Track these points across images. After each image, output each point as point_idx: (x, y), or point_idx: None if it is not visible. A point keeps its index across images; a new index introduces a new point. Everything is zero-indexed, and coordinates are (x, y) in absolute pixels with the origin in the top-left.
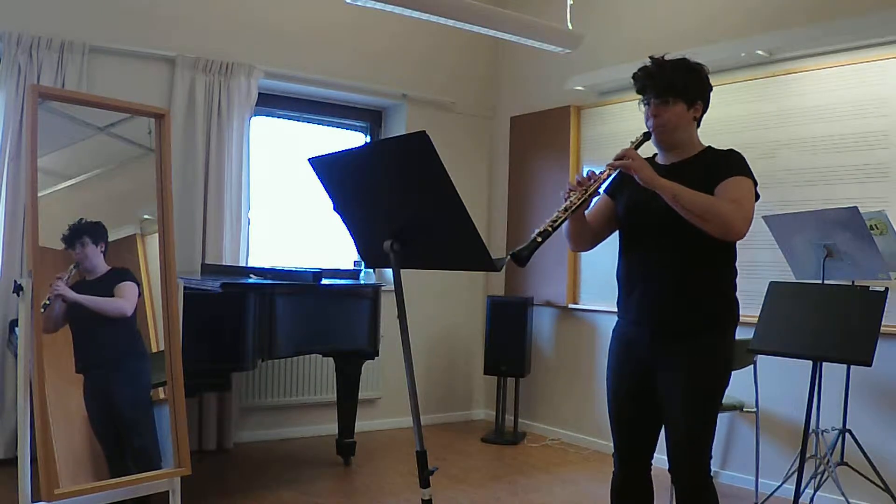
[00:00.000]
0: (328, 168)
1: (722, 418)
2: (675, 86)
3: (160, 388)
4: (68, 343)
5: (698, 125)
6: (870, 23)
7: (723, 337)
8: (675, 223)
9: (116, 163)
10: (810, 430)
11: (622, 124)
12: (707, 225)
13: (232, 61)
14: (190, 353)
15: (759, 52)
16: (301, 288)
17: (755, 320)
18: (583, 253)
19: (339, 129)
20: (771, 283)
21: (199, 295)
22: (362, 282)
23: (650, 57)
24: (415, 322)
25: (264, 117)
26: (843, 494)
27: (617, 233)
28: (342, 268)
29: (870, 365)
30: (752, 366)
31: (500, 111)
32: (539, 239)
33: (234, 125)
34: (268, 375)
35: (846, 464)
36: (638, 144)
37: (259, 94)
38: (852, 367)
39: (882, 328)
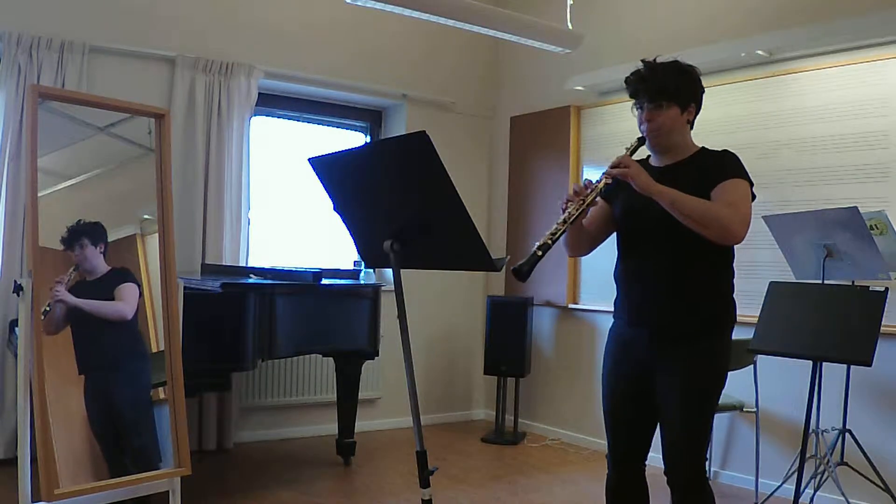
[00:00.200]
0: (328, 168)
1: (722, 418)
2: (668, 89)
3: (160, 388)
4: (68, 343)
5: (691, 127)
6: (870, 23)
7: (721, 339)
8: (673, 227)
9: (116, 163)
10: (810, 430)
11: (622, 124)
12: (705, 230)
13: (232, 61)
14: (190, 353)
15: (759, 52)
16: (301, 288)
17: (755, 320)
18: None
19: (339, 129)
20: (771, 283)
21: (199, 295)
22: (362, 282)
23: (642, 60)
24: (415, 322)
25: (264, 117)
26: (843, 494)
27: (615, 234)
28: (342, 268)
29: (870, 365)
30: (752, 366)
31: (500, 111)
32: (539, 253)
33: (234, 125)
34: (268, 375)
35: (846, 464)
36: (633, 150)
37: (259, 94)
38: (852, 367)
39: (882, 328)
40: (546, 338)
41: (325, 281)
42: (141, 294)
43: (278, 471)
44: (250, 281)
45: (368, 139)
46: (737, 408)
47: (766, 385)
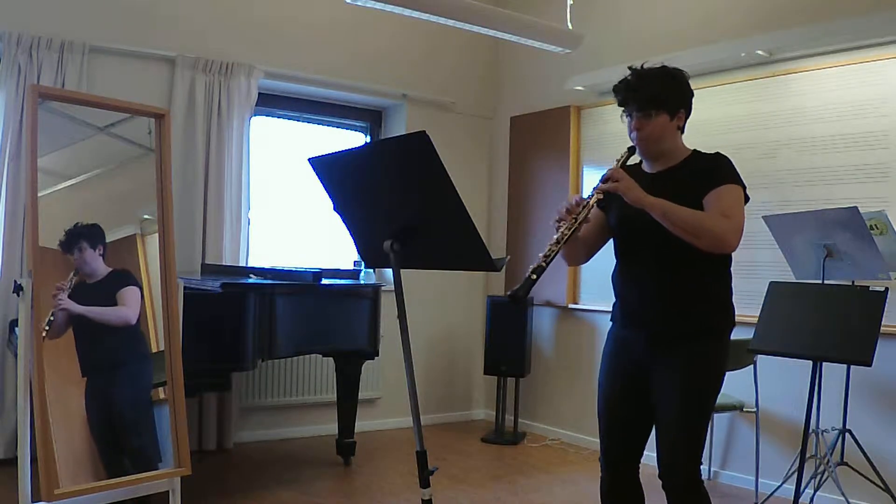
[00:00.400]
0: (328, 168)
1: (722, 418)
2: (657, 98)
3: (160, 388)
4: (69, 344)
5: (682, 131)
6: (870, 23)
7: (718, 341)
8: (666, 234)
9: (116, 163)
10: (810, 430)
11: (622, 124)
12: (698, 241)
13: (232, 61)
14: (190, 353)
15: (759, 52)
16: (301, 288)
17: (755, 320)
18: None
19: (339, 129)
20: (771, 283)
21: (199, 295)
22: (362, 282)
23: (629, 67)
24: (415, 322)
25: (264, 117)
26: (843, 494)
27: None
28: (342, 268)
29: (870, 365)
30: (752, 366)
31: (500, 111)
32: (534, 276)
33: (234, 125)
34: (268, 375)
35: (846, 464)
36: (624, 161)
37: (259, 94)
38: (852, 367)
39: (882, 328)
40: (546, 338)
41: (325, 281)
42: (141, 295)
43: (278, 471)
44: (250, 281)
45: (368, 139)
46: (737, 408)
47: (766, 385)
